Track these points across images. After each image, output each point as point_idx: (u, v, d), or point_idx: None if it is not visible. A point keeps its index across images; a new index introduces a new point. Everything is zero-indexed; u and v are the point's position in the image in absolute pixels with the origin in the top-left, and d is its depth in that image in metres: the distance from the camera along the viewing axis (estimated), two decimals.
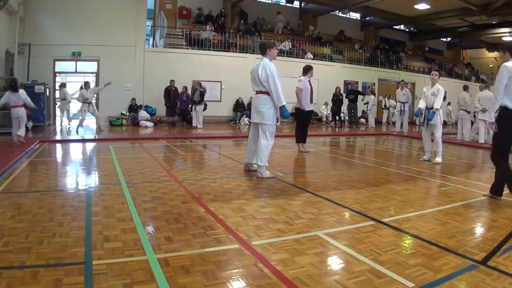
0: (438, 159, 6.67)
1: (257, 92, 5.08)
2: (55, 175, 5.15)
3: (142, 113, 13.41)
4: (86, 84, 11.21)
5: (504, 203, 4.08)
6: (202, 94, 12.81)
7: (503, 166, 3.96)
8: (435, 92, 6.47)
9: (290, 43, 17.66)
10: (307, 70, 7.45)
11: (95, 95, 12.06)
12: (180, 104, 13.44)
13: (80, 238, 2.70)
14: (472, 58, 27.62)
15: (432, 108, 6.50)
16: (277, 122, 5.13)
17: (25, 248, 2.50)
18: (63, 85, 13.03)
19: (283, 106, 4.95)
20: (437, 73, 6.67)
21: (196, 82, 13.40)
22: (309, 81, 7.39)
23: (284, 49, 17.19)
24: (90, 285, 2.04)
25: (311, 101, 7.51)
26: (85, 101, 10.93)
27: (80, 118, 11.31)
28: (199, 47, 15.55)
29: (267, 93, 4.98)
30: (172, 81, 13.41)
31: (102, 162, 6.28)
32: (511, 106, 3.81)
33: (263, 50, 5.13)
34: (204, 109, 13.23)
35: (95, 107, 11.47)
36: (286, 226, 3.10)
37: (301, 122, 7.71)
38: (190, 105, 13.36)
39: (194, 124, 12.96)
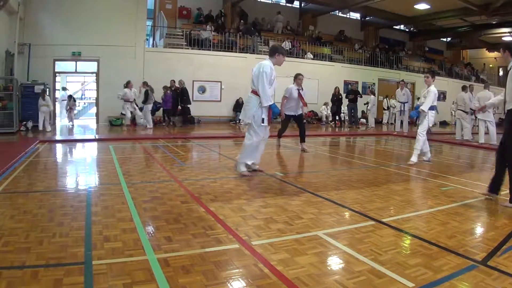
0: (413, 158, 6.37)
1: (251, 91, 5.05)
2: (55, 175, 5.15)
3: (138, 113, 13.37)
4: (128, 83, 11.83)
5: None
6: (147, 93, 12.44)
7: None
8: (426, 93, 6.43)
9: (290, 43, 17.64)
10: (294, 78, 7.57)
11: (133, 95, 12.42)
12: (165, 105, 13.29)
13: (80, 238, 2.70)
14: (472, 58, 27.62)
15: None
16: (263, 122, 4.93)
17: (25, 248, 2.50)
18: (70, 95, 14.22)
19: (272, 104, 4.89)
20: (428, 75, 6.45)
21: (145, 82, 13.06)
22: (298, 89, 7.43)
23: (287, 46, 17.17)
24: (90, 285, 2.04)
25: (297, 108, 7.63)
26: (127, 100, 11.59)
27: (124, 114, 12.23)
28: (199, 47, 15.55)
29: (256, 92, 4.92)
30: (172, 81, 13.39)
31: (102, 162, 6.28)
32: None
33: (272, 53, 5.08)
34: (155, 108, 13.04)
35: (136, 106, 12.21)
36: (286, 226, 3.10)
37: (282, 122, 8.07)
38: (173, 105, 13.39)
39: (142, 124, 12.66)
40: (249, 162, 5.24)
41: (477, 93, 10.38)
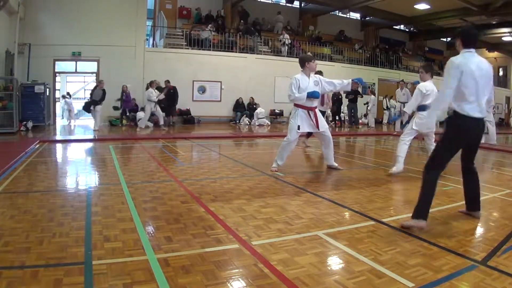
0: (395, 168, 5.46)
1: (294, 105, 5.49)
2: (55, 175, 5.15)
3: (140, 114, 13.36)
4: (152, 83, 11.90)
5: (504, 203, 4.08)
6: (105, 92, 11.49)
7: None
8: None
9: (287, 37, 17.54)
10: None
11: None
12: (124, 105, 12.79)
13: (80, 238, 2.70)
14: None
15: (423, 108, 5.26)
16: (298, 129, 5.32)
17: (25, 248, 2.50)
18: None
19: (308, 93, 5.20)
20: (422, 69, 5.49)
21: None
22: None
23: (285, 41, 17.12)
24: (90, 285, 2.04)
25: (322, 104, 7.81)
26: (150, 99, 11.61)
27: (144, 116, 12.20)
28: (199, 47, 15.55)
29: (295, 104, 5.37)
30: (166, 81, 13.10)
31: (102, 162, 6.28)
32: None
33: (302, 64, 5.35)
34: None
35: (158, 107, 12.17)
36: (286, 226, 3.10)
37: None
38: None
39: (94, 127, 11.46)
40: (280, 163, 5.52)
41: None
